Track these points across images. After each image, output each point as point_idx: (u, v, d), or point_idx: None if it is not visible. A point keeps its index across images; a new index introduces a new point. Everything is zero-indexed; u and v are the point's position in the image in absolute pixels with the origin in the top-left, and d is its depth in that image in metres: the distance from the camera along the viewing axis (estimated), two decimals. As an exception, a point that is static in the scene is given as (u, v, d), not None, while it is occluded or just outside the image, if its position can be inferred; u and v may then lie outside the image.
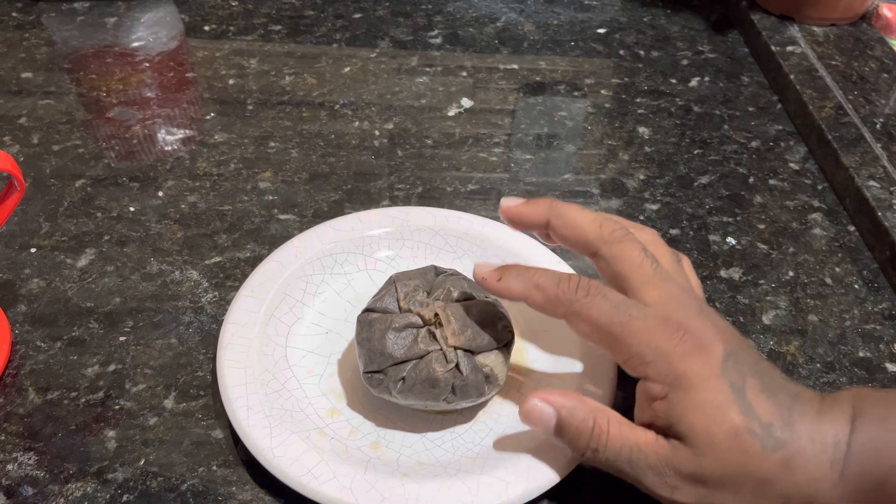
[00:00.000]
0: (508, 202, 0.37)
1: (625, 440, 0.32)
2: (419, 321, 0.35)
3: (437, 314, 0.35)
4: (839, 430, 0.30)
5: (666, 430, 0.31)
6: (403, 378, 0.34)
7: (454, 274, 0.37)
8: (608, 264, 0.34)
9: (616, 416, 0.32)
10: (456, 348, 0.34)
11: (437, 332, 0.34)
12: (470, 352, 0.34)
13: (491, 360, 0.35)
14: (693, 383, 0.30)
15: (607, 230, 0.34)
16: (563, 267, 0.42)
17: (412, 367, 0.34)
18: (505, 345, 0.36)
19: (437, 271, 0.38)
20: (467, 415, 0.37)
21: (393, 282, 0.36)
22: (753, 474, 0.30)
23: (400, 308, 0.35)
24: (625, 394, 0.38)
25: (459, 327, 0.34)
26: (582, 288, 0.33)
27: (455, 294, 0.36)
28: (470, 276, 0.37)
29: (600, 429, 0.32)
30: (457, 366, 0.34)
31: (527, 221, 0.36)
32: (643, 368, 0.31)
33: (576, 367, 0.38)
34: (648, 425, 0.32)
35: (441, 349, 0.34)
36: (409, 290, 0.36)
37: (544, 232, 0.36)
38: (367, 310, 0.36)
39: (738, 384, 0.30)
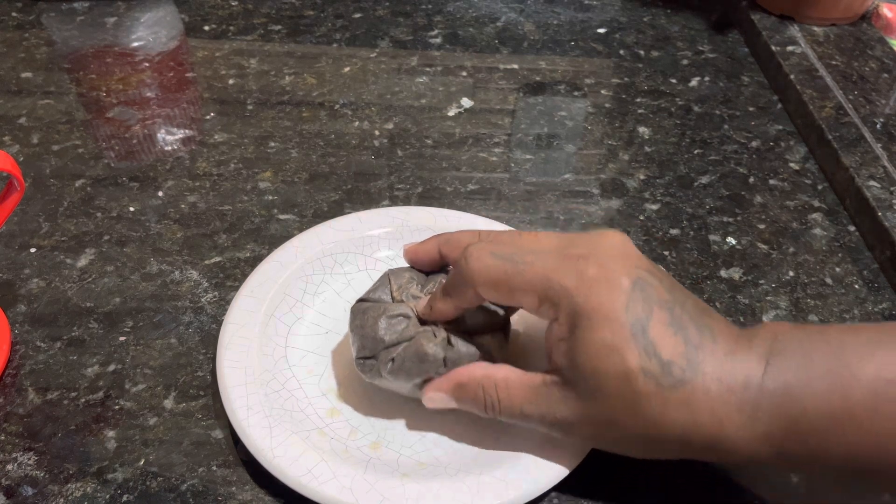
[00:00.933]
0: (407, 246, 0.38)
1: (513, 400, 0.32)
2: (411, 312, 0.35)
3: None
4: (751, 370, 0.29)
5: (564, 371, 0.31)
6: (393, 358, 0.34)
7: (447, 271, 0.38)
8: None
9: (503, 378, 0.33)
10: (449, 331, 0.35)
11: (433, 326, 0.35)
12: (466, 332, 0.35)
13: (487, 339, 0.35)
14: (592, 322, 0.30)
15: (486, 234, 0.35)
16: None
17: (402, 348, 0.34)
18: (501, 328, 0.36)
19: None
20: (467, 414, 0.37)
21: (387, 275, 0.37)
22: (646, 415, 0.29)
23: (393, 299, 0.36)
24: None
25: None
26: (469, 254, 0.33)
27: None
28: None
29: (490, 397, 0.33)
30: (448, 340, 0.34)
31: (423, 258, 0.37)
32: (553, 310, 0.31)
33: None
34: (552, 372, 0.32)
35: (430, 330, 0.35)
36: (403, 282, 0.36)
37: (442, 263, 0.37)
38: (361, 300, 0.36)
39: (641, 319, 0.29)
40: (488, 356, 0.35)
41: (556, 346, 0.31)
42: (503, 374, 0.33)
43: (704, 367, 0.29)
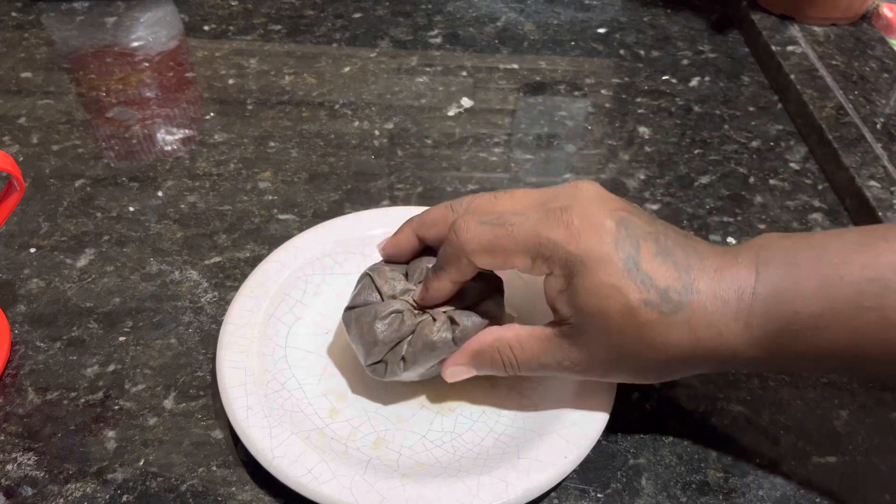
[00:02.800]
0: (381, 244, 0.38)
1: (528, 355, 0.34)
2: (401, 306, 0.35)
3: (424, 309, 0.36)
4: (742, 282, 0.31)
5: (571, 319, 0.32)
6: (404, 357, 0.34)
7: (424, 249, 0.38)
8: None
9: (514, 337, 0.34)
10: (449, 311, 0.35)
11: (431, 311, 0.35)
12: (465, 307, 0.36)
13: (487, 305, 0.36)
14: (587, 268, 0.31)
15: (457, 203, 0.36)
16: None
17: (409, 343, 0.35)
18: (496, 289, 0.37)
19: None
20: (467, 415, 0.37)
21: (367, 274, 0.37)
22: (655, 342, 0.31)
23: (382, 296, 0.36)
24: (639, 393, 0.38)
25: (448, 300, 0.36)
26: (457, 227, 0.33)
27: None
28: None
29: (507, 358, 0.34)
30: (451, 320, 0.35)
31: (402, 249, 0.37)
32: (547, 265, 0.32)
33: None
34: (559, 322, 0.33)
35: (430, 315, 0.35)
36: (387, 278, 0.36)
37: (420, 249, 0.37)
38: (349, 307, 0.36)
39: (632, 255, 0.31)
40: (494, 320, 0.36)
41: (558, 298, 0.32)
42: (513, 333, 0.34)
43: (699, 286, 0.31)
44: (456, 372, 0.35)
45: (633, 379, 0.34)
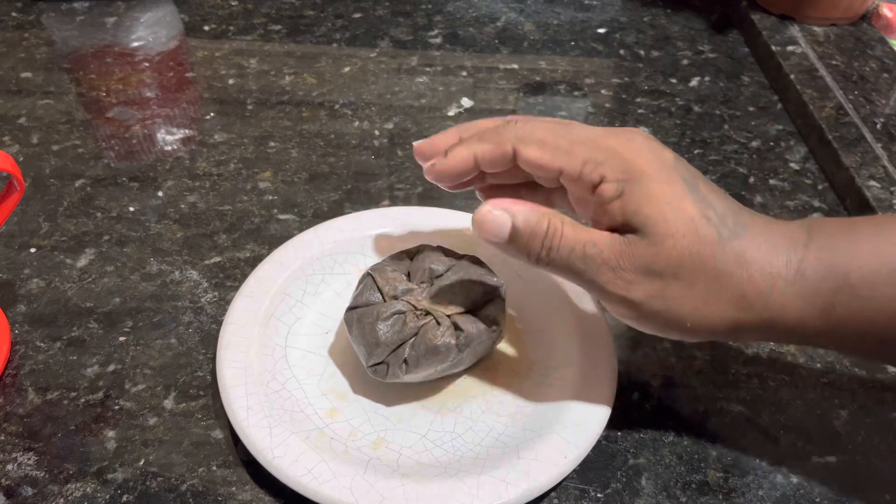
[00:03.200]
0: (432, 165, 0.34)
1: (578, 237, 0.31)
2: (403, 307, 0.35)
3: (427, 312, 0.35)
4: (794, 235, 0.30)
5: (622, 228, 0.31)
6: (406, 360, 0.34)
7: (426, 249, 0.38)
8: None
9: (569, 219, 0.31)
10: (452, 315, 0.35)
11: (434, 313, 0.35)
12: (468, 312, 0.35)
13: (490, 310, 0.36)
14: (647, 175, 0.30)
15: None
16: None
17: (410, 346, 0.34)
18: (497, 295, 0.36)
19: (409, 254, 0.38)
20: (467, 413, 0.37)
21: (368, 274, 0.37)
22: (708, 264, 0.30)
23: (384, 297, 0.36)
24: (639, 393, 0.38)
25: (449, 300, 0.35)
26: (520, 121, 0.33)
27: (438, 269, 0.37)
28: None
29: (554, 228, 0.31)
30: (455, 325, 0.35)
31: (457, 165, 0.34)
32: (598, 170, 0.31)
33: (575, 363, 0.38)
34: (614, 228, 0.31)
35: (434, 318, 0.35)
36: (388, 277, 0.36)
37: (477, 165, 0.34)
38: (351, 307, 0.36)
39: (689, 179, 0.31)
40: (495, 324, 0.36)
41: (610, 208, 0.31)
42: (569, 217, 0.32)
43: (753, 228, 0.30)
44: (492, 217, 0.31)
45: (671, 317, 0.31)
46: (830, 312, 0.30)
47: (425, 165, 0.35)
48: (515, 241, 0.31)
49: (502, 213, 0.31)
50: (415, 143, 0.36)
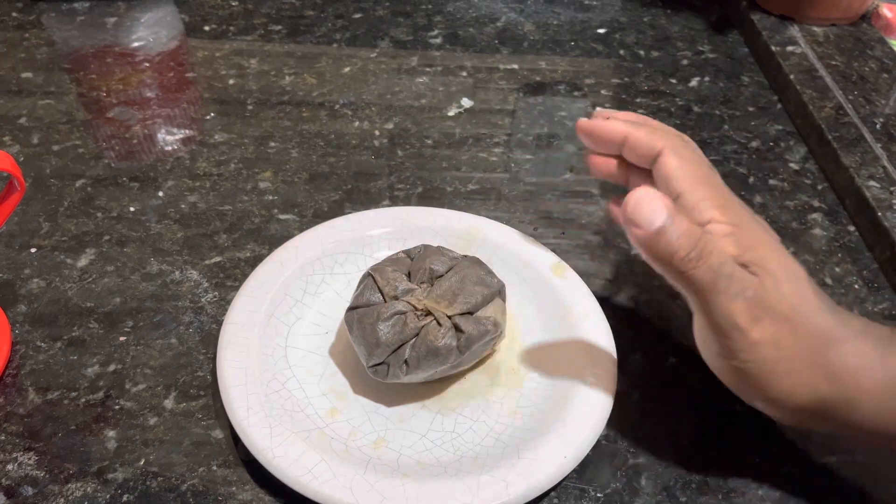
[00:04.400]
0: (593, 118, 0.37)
1: (726, 255, 0.29)
2: (403, 307, 0.35)
3: (428, 311, 0.35)
4: (880, 332, 0.30)
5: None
6: (406, 361, 0.34)
7: (426, 249, 0.38)
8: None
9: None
10: (453, 317, 0.35)
11: (435, 313, 0.35)
12: (469, 313, 0.35)
13: (490, 311, 0.36)
14: (755, 228, 0.32)
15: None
16: (551, 257, 0.42)
17: (410, 347, 0.34)
18: (497, 292, 0.37)
19: (409, 254, 0.38)
20: (468, 412, 0.37)
21: (369, 274, 0.37)
22: (810, 323, 0.29)
23: (384, 297, 0.36)
24: (639, 393, 0.38)
25: (450, 301, 0.35)
26: (671, 132, 0.35)
27: (439, 269, 0.37)
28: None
29: (709, 237, 0.29)
30: (456, 327, 0.35)
31: (637, 144, 0.35)
32: (712, 211, 0.32)
33: (575, 363, 0.38)
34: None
35: (435, 319, 0.35)
36: (389, 278, 0.36)
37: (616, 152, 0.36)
38: (352, 307, 0.36)
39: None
40: (495, 325, 0.36)
41: (723, 240, 0.31)
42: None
43: (846, 316, 0.31)
44: (650, 202, 0.29)
45: (772, 371, 0.30)
46: None
47: (581, 120, 0.37)
48: (664, 235, 0.28)
49: (660, 203, 0.29)
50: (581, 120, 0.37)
